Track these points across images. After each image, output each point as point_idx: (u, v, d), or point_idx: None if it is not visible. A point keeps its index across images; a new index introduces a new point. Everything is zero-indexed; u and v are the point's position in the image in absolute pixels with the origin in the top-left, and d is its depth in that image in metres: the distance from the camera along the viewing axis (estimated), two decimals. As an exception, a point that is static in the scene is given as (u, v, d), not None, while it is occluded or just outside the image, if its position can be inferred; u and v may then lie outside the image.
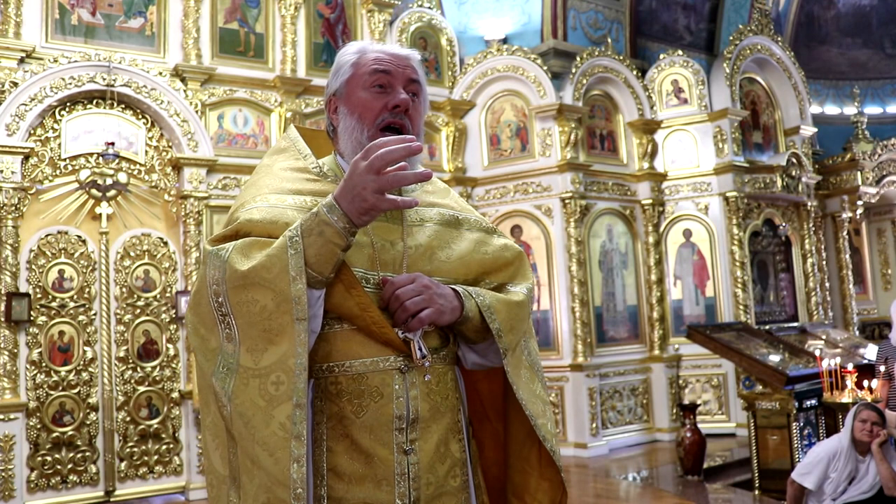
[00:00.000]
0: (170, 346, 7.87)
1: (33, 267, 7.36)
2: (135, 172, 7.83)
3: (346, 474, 1.72)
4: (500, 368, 1.95)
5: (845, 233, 12.73)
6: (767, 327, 9.44)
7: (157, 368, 7.81)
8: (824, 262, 11.98)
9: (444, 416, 1.84)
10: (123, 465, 7.55)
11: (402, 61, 1.92)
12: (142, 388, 7.71)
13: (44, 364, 7.30)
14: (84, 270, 7.57)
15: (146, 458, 7.66)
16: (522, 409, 1.89)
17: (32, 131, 7.37)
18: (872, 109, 14.43)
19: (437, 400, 1.82)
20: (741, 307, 10.10)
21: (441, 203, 2.04)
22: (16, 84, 7.23)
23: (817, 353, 7.58)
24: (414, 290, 1.75)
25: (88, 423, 7.45)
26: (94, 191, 7.58)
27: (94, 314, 7.59)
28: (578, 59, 9.89)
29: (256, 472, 1.65)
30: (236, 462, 1.72)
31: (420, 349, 1.76)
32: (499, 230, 2.12)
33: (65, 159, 7.53)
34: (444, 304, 1.78)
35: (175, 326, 7.90)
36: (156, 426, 7.73)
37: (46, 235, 7.45)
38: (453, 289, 1.85)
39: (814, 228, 11.62)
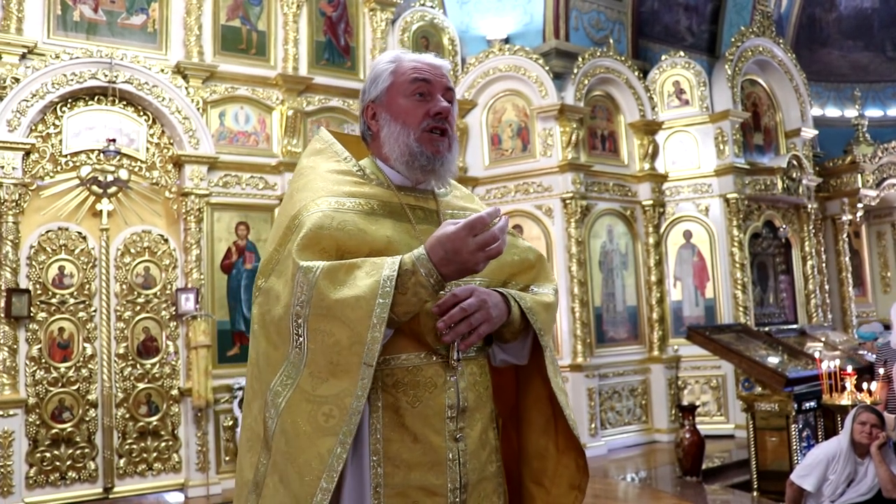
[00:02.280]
0: (169, 343, 7.87)
1: (33, 263, 7.35)
2: (136, 169, 7.82)
3: (402, 461, 1.81)
4: (510, 366, 2.08)
5: (845, 235, 12.74)
6: (767, 329, 9.44)
7: (157, 365, 7.80)
8: (824, 265, 11.98)
9: (485, 405, 1.97)
10: (122, 461, 7.55)
11: (438, 70, 2.03)
12: (141, 385, 7.71)
13: (43, 360, 7.30)
14: (84, 267, 7.57)
15: (145, 455, 7.65)
16: (548, 400, 2.03)
17: (34, 127, 7.37)
18: (873, 112, 14.44)
19: (480, 390, 1.94)
20: (741, 309, 10.11)
21: (470, 207, 2.16)
22: (17, 80, 7.23)
23: (817, 355, 7.58)
24: (475, 304, 1.82)
25: (88, 419, 7.44)
26: (94, 187, 7.57)
27: (94, 311, 7.59)
28: (580, 59, 9.89)
29: (282, 490, 1.72)
30: (264, 472, 1.79)
31: (457, 355, 1.87)
32: (517, 233, 2.23)
33: (66, 156, 7.52)
34: (496, 315, 1.88)
35: (175, 324, 7.90)
36: (155, 423, 7.73)
37: (47, 232, 7.45)
38: (500, 293, 1.93)
39: (814, 231, 11.62)
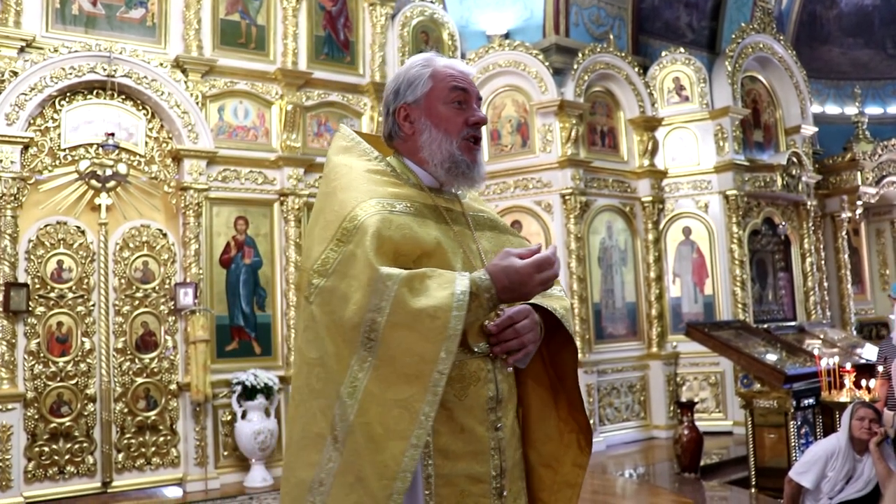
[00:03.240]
0: (168, 337, 7.86)
1: (32, 257, 7.34)
2: (134, 163, 7.81)
3: (451, 452, 1.89)
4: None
5: (844, 233, 12.73)
6: (766, 326, 9.45)
7: (156, 360, 7.80)
8: (823, 262, 11.98)
9: (514, 396, 2.07)
10: (121, 456, 7.55)
11: (470, 79, 2.12)
12: (140, 380, 7.70)
13: (42, 354, 7.29)
14: (83, 261, 7.56)
15: (143, 450, 7.65)
16: (549, 387, 2.18)
17: (32, 121, 7.35)
18: (873, 109, 14.43)
19: (511, 382, 2.05)
20: (740, 305, 10.11)
21: (485, 210, 2.25)
22: (16, 73, 7.21)
23: (815, 352, 7.58)
24: (529, 326, 1.95)
25: (86, 414, 7.44)
26: (93, 181, 7.56)
27: (93, 305, 7.58)
28: (580, 55, 9.87)
29: (360, 490, 1.77)
30: (332, 471, 1.82)
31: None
32: (517, 232, 2.33)
33: (64, 149, 7.51)
34: (539, 335, 2.02)
35: (173, 318, 7.90)
36: (153, 418, 7.73)
37: (45, 226, 7.44)
38: (534, 307, 2.03)
39: (813, 228, 11.62)
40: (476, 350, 1.93)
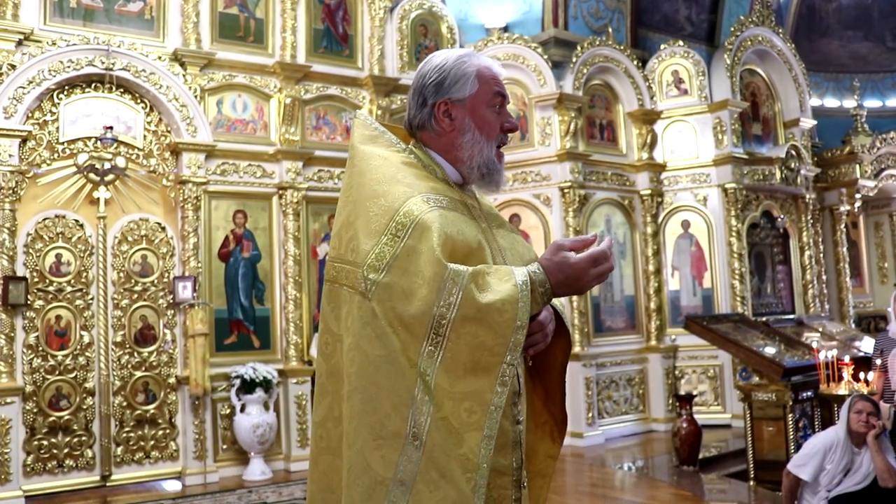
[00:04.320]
0: (167, 331, 7.87)
1: (30, 251, 7.34)
2: (133, 157, 7.80)
3: None
4: None
5: (843, 226, 12.74)
6: (764, 319, 9.45)
7: (154, 354, 7.81)
8: (821, 255, 11.98)
9: (527, 390, 2.09)
10: (120, 449, 7.55)
11: (503, 83, 2.13)
12: (138, 374, 7.71)
13: (40, 348, 7.29)
14: (81, 255, 7.56)
15: (142, 444, 7.66)
16: (526, 378, 2.13)
17: (30, 114, 7.34)
18: (872, 103, 14.41)
19: (525, 376, 2.06)
20: (738, 298, 10.12)
21: (490, 206, 2.25)
22: (14, 66, 7.20)
23: (814, 345, 7.58)
24: (549, 317, 2.00)
25: (85, 407, 7.44)
26: (92, 175, 7.55)
27: (92, 299, 7.58)
28: (579, 48, 9.86)
29: (444, 485, 1.77)
30: (414, 469, 1.80)
31: None
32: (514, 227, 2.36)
33: (63, 143, 7.50)
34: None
35: (172, 312, 7.90)
36: (152, 411, 7.74)
37: (44, 219, 7.43)
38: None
39: (812, 221, 11.62)
40: None
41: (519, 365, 1.96)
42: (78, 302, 7.51)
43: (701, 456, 7.85)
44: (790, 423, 6.96)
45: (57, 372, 7.35)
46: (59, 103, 7.50)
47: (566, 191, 9.51)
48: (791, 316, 10.55)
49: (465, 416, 1.78)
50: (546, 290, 1.85)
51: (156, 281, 7.89)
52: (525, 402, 2.04)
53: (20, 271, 7.23)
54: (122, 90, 7.76)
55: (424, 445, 1.78)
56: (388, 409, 1.82)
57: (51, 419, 7.27)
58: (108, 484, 7.44)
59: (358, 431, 1.86)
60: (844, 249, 12.70)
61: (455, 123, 2.06)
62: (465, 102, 2.06)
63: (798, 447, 6.21)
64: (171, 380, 7.84)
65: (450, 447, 1.77)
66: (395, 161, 2.03)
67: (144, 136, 7.90)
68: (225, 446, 7.99)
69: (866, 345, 8.65)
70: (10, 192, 7.10)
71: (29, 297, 7.22)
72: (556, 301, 2.08)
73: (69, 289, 7.49)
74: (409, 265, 1.82)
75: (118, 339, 7.66)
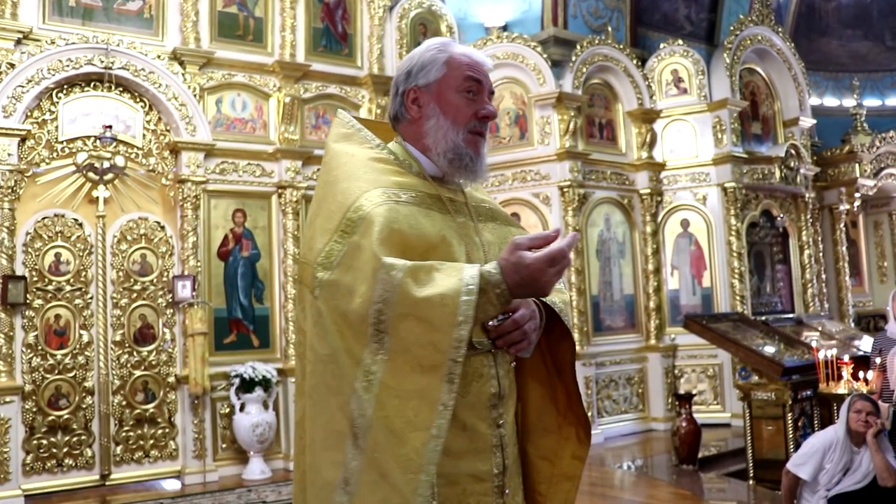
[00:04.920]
0: (166, 330, 7.86)
1: (30, 250, 7.33)
2: (132, 156, 7.80)
3: (453, 451, 1.83)
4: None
5: (842, 225, 12.73)
6: (764, 318, 9.45)
7: (154, 353, 7.80)
8: (821, 254, 11.98)
9: (513, 392, 2.03)
10: (119, 449, 7.55)
11: (485, 70, 2.05)
12: (138, 373, 7.71)
13: (40, 347, 7.29)
14: (81, 254, 7.55)
15: (142, 443, 7.66)
16: (547, 379, 2.12)
17: (29, 113, 7.33)
18: (871, 102, 14.41)
19: (511, 377, 2.01)
20: (738, 298, 10.12)
21: (486, 200, 2.20)
22: (13, 65, 7.19)
23: (813, 344, 7.58)
24: (527, 315, 1.89)
25: (84, 406, 7.44)
26: (91, 174, 7.55)
27: (91, 298, 7.58)
28: (578, 47, 9.85)
29: (385, 486, 1.72)
30: (356, 469, 1.77)
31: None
32: (517, 223, 2.28)
33: (62, 142, 7.49)
34: (539, 325, 1.97)
35: (171, 311, 7.89)
36: (152, 410, 7.73)
37: (43, 218, 7.43)
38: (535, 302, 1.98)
39: (811, 220, 11.62)
40: (478, 346, 1.87)
41: (501, 367, 1.93)
42: (77, 301, 7.51)
43: (700, 455, 7.85)
44: (789, 422, 6.96)
45: (56, 371, 7.34)
46: (58, 102, 7.49)
47: (565, 190, 9.51)
48: (790, 315, 10.55)
49: (412, 416, 1.71)
50: (503, 292, 1.77)
51: (155, 280, 7.89)
52: (510, 406, 1.99)
53: (19, 270, 7.23)
54: (121, 89, 7.76)
55: (365, 445, 1.74)
56: (334, 408, 1.81)
57: (50, 418, 7.27)
58: (107, 483, 7.44)
59: (313, 431, 1.87)
60: (844, 248, 12.70)
61: (422, 110, 2.02)
62: (431, 88, 2.01)
63: (797, 446, 6.20)
64: (171, 379, 7.84)
65: (390, 447, 1.71)
66: (362, 157, 1.99)
67: (143, 135, 7.89)
68: (224, 445, 7.99)
69: (866, 344, 8.65)
70: (10, 191, 7.09)
71: (28, 296, 7.21)
72: (557, 300, 2.03)
73: (68, 288, 7.48)
74: (353, 262, 1.79)
75: (117, 338, 7.66)
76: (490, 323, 1.85)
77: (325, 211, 1.91)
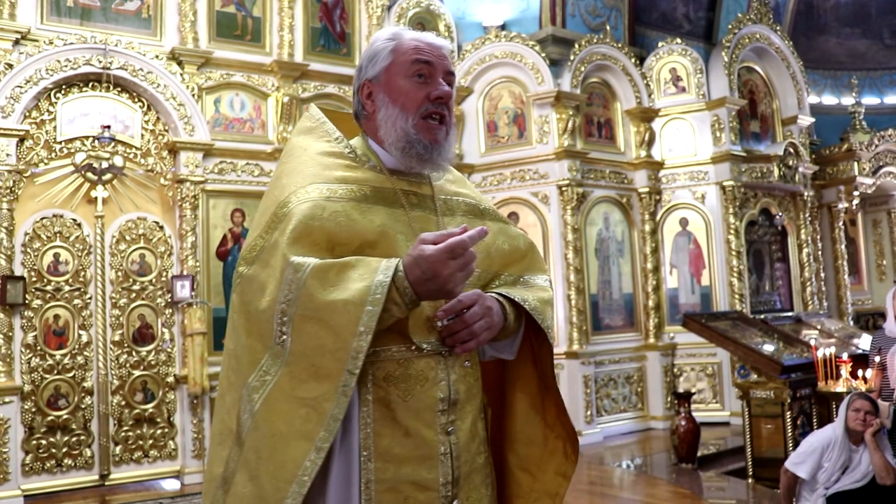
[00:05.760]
0: (165, 330, 7.86)
1: (28, 250, 7.33)
2: (131, 156, 7.80)
3: (394, 456, 1.76)
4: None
5: (841, 223, 12.73)
6: (763, 316, 9.44)
7: (153, 353, 7.80)
8: (820, 252, 11.98)
9: (475, 397, 1.92)
10: (118, 449, 7.55)
11: (440, 51, 1.94)
12: (137, 373, 7.70)
13: (39, 347, 7.29)
14: (79, 254, 7.55)
15: (141, 443, 7.66)
16: (537, 388, 2.04)
17: (28, 114, 7.33)
18: (870, 100, 14.41)
19: (470, 382, 1.90)
20: (737, 296, 10.12)
21: (463, 192, 2.10)
22: (11, 66, 7.19)
23: (812, 342, 7.59)
24: (479, 313, 1.79)
25: (83, 406, 7.44)
26: (89, 174, 7.55)
27: (90, 298, 7.57)
28: (577, 46, 9.85)
29: (251, 489, 1.68)
30: (234, 468, 1.74)
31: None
32: (510, 220, 2.18)
33: (60, 142, 7.49)
34: (497, 324, 1.84)
35: (170, 311, 7.89)
36: (151, 410, 7.73)
37: (42, 219, 7.42)
38: (496, 299, 1.89)
39: (810, 218, 11.62)
40: (425, 347, 1.79)
41: (454, 371, 1.84)
42: (76, 301, 7.51)
43: (699, 454, 7.85)
44: (788, 420, 6.96)
45: (55, 371, 7.34)
46: (56, 102, 7.49)
47: (564, 189, 9.51)
48: (789, 313, 10.55)
49: (299, 423, 1.64)
50: (405, 290, 1.66)
51: (154, 280, 7.88)
52: (468, 413, 1.88)
53: (18, 271, 7.23)
54: (119, 89, 7.76)
55: (244, 445, 1.70)
56: (229, 404, 1.78)
57: (49, 418, 7.27)
58: (106, 483, 7.44)
59: (212, 425, 1.85)
60: (843, 247, 12.70)
61: (375, 103, 1.95)
62: (380, 78, 1.94)
63: (796, 445, 6.20)
64: (170, 379, 7.84)
65: (267, 451, 1.66)
66: (313, 152, 1.94)
67: (142, 135, 7.89)
68: (223, 445, 7.97)
69: (865, 342, 8.65)
70: (8, 191, 7.09)
71: (27, 296, 7.21)
72: (531, 298, 1.94)
73: (67, 288, 7.48)
74: (270, 259, 1.75)
75: (116, 338, 7.66)
76: (439, 323, 1.78)
77: (263, 206, 1.89)
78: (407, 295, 1.67)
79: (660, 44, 10.80)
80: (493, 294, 1.90)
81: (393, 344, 1.78)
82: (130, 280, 7.77)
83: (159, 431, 7.75)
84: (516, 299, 1.90)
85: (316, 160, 1.92)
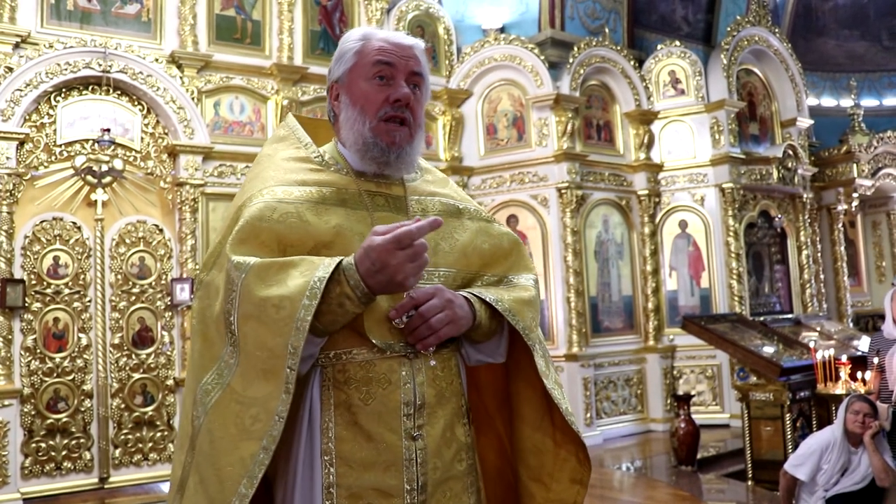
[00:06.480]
0: (165, 333, 7.86)
1: (28, 253, 7.33)
2: (130, 159, 7.80)
3: (356, 461, 1.72)
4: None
5: (840, 225, 12.75)
6: (762, 318, 9.45)
7: (152, 356, 7.80)
8: (819, 254, 12.00)
9: (449, 401, 1.84)
10: (118, 452, 7.55)
11: (406, 52, 1.89)
12: (136, 376, 7.70)
13: (38, 350, 7.29)
14: (79, 257, 7.56)
15: (141, 446, 7.66)
16: (542, 393, 1.93)
17: (28, 117, 7.34)
18: (869, 102, 14.43)
19: (442, 385, 1.83)
20: (736, 298, 10.13)
21: (441, 192, 2.04)
22: (11, 69, 7.19)
23: (811, 344, 7.59)
24: (438, 306, 1.74)
25: (83, 409, 7.44)
26: (89, 177, 7.55)
27: (89, 301, 7.58)
28: (576, 48, 9.86)
29: (200, 492, 1.66)
30: (188, 472, 1.73)
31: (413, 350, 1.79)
32: (496, 219, 2.11)
33: (60, 145, 7.50)
34: (463, 319, 1.79)
35: (170, 314, 7.90)
36: (150, 413, 7.73)
37: (41, 222, 7.43)
38: (464, 297, 1.84)
39: (809, 220, 11.63)
40: (385, 349, 1.75)
41: (421, 374, 1.78)
42: (76, 304, 7.51)
43: (699, 456, 7.86)
44: (788, 422, 6.97)
45: (55, 374, 7.34)
46: (56, 106, 7.50)
47: (563, 191, 9.52)
48: (789, 315, 10.56)
49: (249, 424, 1.62)
50: (357, 283, 1.63)
51: (153, 283, 7.89)
52: (439, 417, 1.81)
53: (18, 274, 7.23)
54: (119, 92, 7.77)
55: (195, 449, 1.70)
56: (188, 408, 1.78)
57: (49, 421, 7.27)
58: (106, 486, 7.43)
59: (178, 431, 1.87)
60: (842, 248, 12.72)
61: (341, 105, 1.93)
62: (343, 80, 1.91)
63: (796, 447, 6.21)
64: (170, 382, 7.84)
65: (214, 453, 1.65)
66: (279, 158, 1.93)
67: (142, 139, 7.90)
68: (223, 448, 7.97)
69: (864, 344, 8.66)
70: (8, 194, 7.10)
71: (27, 299, 7.22)
72: (507, 297, 1.88)
73: (67, 291, 7.48)
74: (224, 262, 1.74)
75: (116, 341, 7.66)
76: (396, 321, 1.73)
77: (227, 213, 1.88)
78: (359, 288, 1.63)
79: (659, 46, 10.82)
80: (464, 293, 1.85)
81: (354, 346, 1.75)
82: (130, 283, 7.78)
83: (159, 434, 7.75)
84: (488, 299, 1.84)
85: (279, 165, 1.90)
